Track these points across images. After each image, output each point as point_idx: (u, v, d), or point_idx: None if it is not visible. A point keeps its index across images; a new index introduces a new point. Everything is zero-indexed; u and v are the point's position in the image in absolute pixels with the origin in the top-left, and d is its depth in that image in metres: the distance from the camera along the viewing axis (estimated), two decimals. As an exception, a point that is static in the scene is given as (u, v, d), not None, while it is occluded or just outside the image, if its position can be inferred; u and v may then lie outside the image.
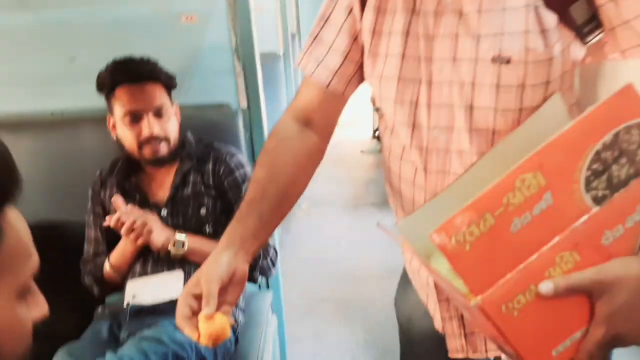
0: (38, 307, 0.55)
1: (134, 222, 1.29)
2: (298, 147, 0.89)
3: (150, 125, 1.36)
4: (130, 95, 1.36)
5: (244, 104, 1.69)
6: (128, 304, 1.33)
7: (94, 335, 1.30)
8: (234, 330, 1.38)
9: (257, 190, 0.84)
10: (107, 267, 1.43)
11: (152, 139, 1.37)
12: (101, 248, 1.47)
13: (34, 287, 0.55)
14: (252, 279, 1.46)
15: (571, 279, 0.58)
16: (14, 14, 1.61)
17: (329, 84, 0.89)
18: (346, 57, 0.88)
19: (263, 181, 0.85)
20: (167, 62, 1.46)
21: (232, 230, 0.81)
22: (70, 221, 1.61)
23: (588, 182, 0.60)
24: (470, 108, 0.77)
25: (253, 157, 1.71)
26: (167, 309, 1.31)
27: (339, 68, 0.89)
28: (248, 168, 1.50)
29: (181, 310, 0.76)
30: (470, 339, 0.90)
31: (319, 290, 2.68)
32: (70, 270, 1.49)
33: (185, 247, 1.35)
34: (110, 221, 1.31)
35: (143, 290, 1.36)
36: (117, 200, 1.33)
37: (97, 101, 1.42)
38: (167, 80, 1.42)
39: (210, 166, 1.46)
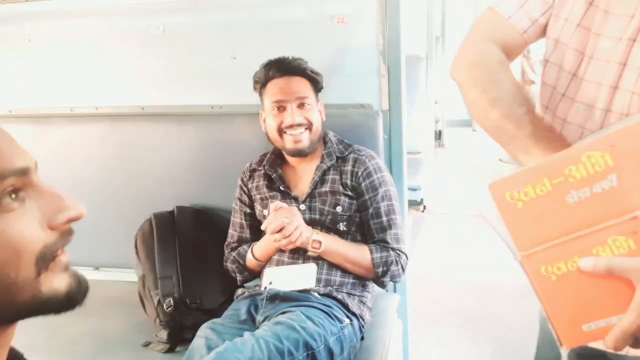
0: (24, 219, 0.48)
1: (290, 233, 1.34)
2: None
3: (292, 114, 1.44)
4: (278, 88, 1.46)
5: (385, 105, 1.70)
6: (265, 288, 1.42)
7: (234, 315, 1.39)
8: (361, 327, 1.40)
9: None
10: (250, 257, 1.53)
11: (294, 127, 1.44)
12: (245, 235, 1.58)
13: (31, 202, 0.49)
14: (381, 285, 1.46)
15: (613, 261, 0.59)
16: (186, 16, 1.79)
17: (526, 30, 0.88)
18: (548, 9, 0.87)
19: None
20: (316, 62, 1.53)
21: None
22: (220, 207, 1.76)
23: None
24: (615, 88, 0.76)
25: (390, 159, 1.72)
26: (300, 297, 1.37)
27: (537, 19, 0.88)
28: (386, 173, 1.52)
29: None
30: None
31: (447, 300, 2.60)
32: (216, 252, 1.62)
33: (322, 248, 1.40)
34: (269, 227, 1.35)
35: (279, 278, 1.43)
36: (277, 204, 1.39)
37: (253, 98, 1.54)
38: (312, 77, 1.50)
39: (349, 167, 1.49)
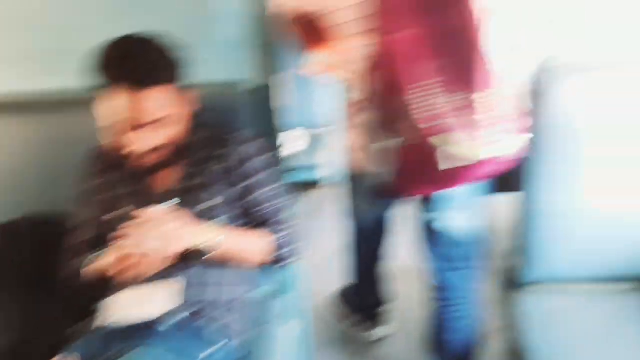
0: None
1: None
2: None
3: (136, 140, 1.11)
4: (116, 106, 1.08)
5: (258, 81, 1.48)
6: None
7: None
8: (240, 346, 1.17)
9: None
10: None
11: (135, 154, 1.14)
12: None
13: None
14: (277, 265, 1.33)
15: None
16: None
17: None
18: None
19: None
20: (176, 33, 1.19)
21: None
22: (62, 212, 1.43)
23: None
24: None
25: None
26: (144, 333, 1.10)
27: None
28: (268, 155, 1.32)
29: None
30: None
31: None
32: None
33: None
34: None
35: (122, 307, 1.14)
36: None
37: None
38: (174, 77, 1.14)
39: (228, 150, 1.26)
